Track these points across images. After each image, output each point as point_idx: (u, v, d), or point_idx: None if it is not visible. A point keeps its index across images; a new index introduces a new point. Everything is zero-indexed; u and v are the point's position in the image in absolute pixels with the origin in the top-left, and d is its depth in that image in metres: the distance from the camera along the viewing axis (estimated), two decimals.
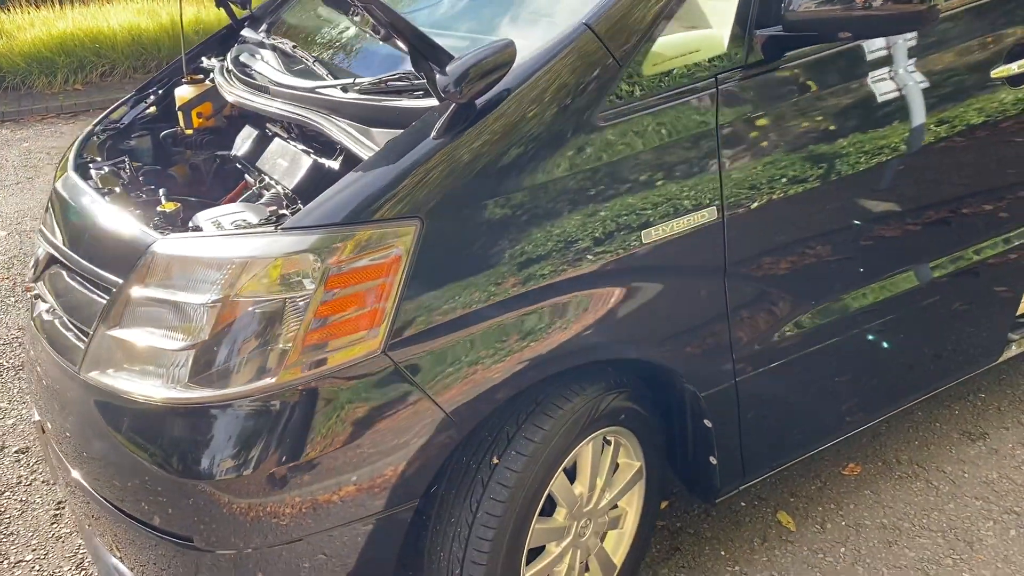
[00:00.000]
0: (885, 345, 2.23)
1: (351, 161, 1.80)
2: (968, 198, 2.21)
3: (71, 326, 1.88)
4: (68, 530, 2.53)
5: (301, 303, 1.52)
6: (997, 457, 2.64)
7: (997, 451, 2.66)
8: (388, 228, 1.53)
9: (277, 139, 2.01)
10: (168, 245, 1.65)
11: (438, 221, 1.55)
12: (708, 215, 1.78)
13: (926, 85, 2.01)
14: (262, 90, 2.06)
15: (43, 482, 2.74)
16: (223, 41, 2.81)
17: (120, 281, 1.69)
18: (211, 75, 2.50)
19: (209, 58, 2.70)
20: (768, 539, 2.36)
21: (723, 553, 2.33)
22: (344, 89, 1.89)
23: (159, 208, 1.86)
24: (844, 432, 2.29)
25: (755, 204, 1.83)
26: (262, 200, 2.00)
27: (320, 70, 2.04)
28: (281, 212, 1.80)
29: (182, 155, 2.39)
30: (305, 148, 1.94)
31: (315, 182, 1.82)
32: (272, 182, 1.94)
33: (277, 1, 2.85)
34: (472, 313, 1.59)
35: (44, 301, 2.03)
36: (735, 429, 2.02)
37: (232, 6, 2.78)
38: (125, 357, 1.67)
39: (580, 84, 1.63)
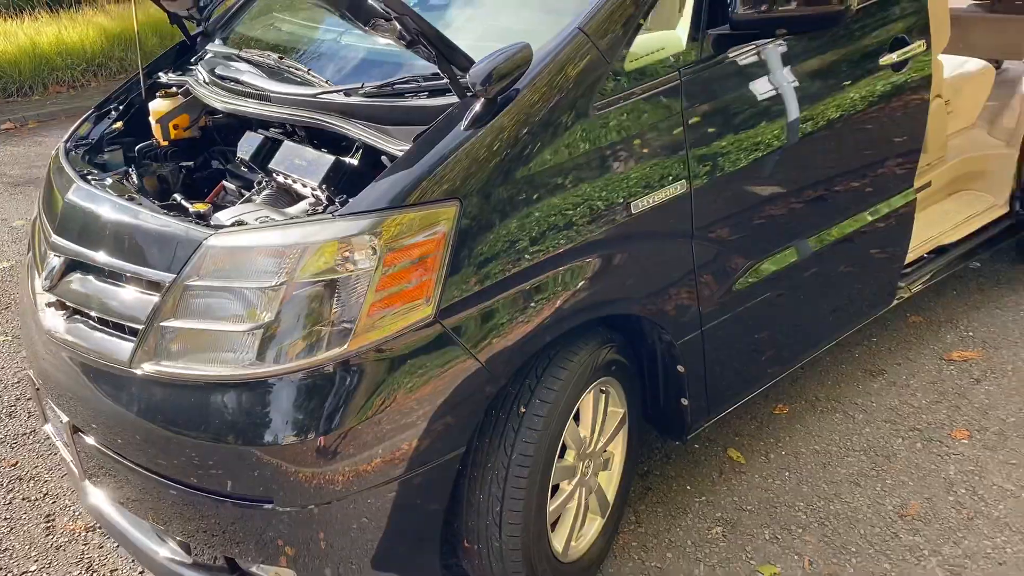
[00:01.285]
0: (810, 295, 2.64)
1: (371, 155, 2.01)
2: (865, 166, 2.64)
3: (102, 328, 1.99)
4: (66, 539, 2.58)
5: (363, 279, 1.73)
6: (896, 388, 3.11)
7: (895, 383, 3.13)
8: (432, 209, 1.77)
9: (288, 142, 2.19)
10: (224, 239, 1.81)
11: (473, 201, 1.80)
12: (679, 188, 2.10)
13: (834, 72, 2.43)
14: (263, 98, 2.23)
15: (24, 499, 2.76)
16: (178, 57, 2.92)
17: (171, 277, 1.83)
18: (182, 88, 2.62)
19: (167, 73, 2.80)
20: (724, 472, 2.72)
21: (689, 488, 2.66)
22: (347, 93, 2.10)
23: (192, 209, 2.00)
24: (784, 371, 2.68)
25: (713, 177, 2.17)
26: (261, 198, 2.18)
27: (314, 77, 2.23)
28: (321, 202, 1.99)
29: (165, 165, 2.51)
30: (319, 147, 2.13)
31: (339, 175, 2.02)
32: (290, 180, 2.12)
33: (225, 16, 2.98)
34: (504, 280, 1.84)
35: (61, 309, 2.12)
36: (702, 372, 2.35)
37: (186, 22, 2.90)
38: (187, 345, 1.82)
39: (578, 79, 1.92)
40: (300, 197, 2.20)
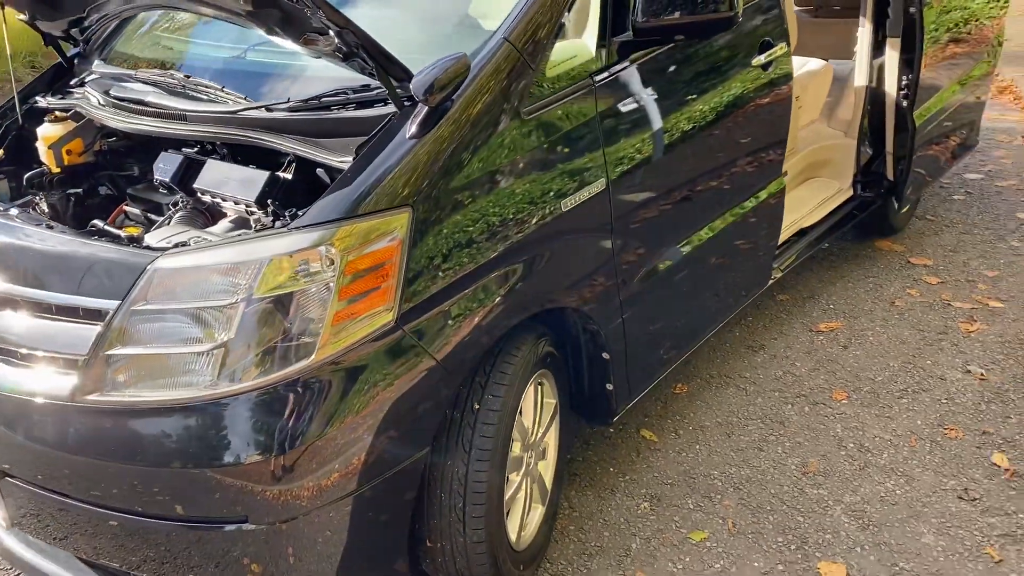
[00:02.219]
0: (707, 278, 2.85)
1: (305, 168, 2.03)
2: (747, 157, 2.89)
3: (26, 364, 1.90)
4: None
5: (324, 290, 1.75)
6: (777, 360, 3.39)
7: (775, 356, 3.42)
8: (387, 217, 1.81)
9: (212, 160, 2.15)
10: (172, 260, 1.78)
11: (423, 207, 1.86)
12: (599, 185, 2.24)
13: (719, 73, 2.65)
14: (179, 118, 2.18)
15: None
16: (53, 80, 2.78)
17: (115, 304, 1.78)
18: (71, 112, 2.51)
19: (45, 97, 2.67)
20: (641, 451, 2.89)
21: (612, 470, 2.81)
22: (270, 109, 2.10)
23: (124, 234, 1.94)
24: (690, 349, 2.88)
25: (625, 174, 2.33)
26: (176, 219, 2.14)
27: (229, 95, 2.21)
28: (249, 220, 1.98)
29: (70, 192, 2.40)
30: (245, 164, 2.11)
31: (275, 191, 2.01)
32: (219, 199, 2.09)
33: (102, 36, 2.85)
34: (456, 282, 1.91)
35: None
36: (623, 358, 2.50)
37: (61, 44, 2.77)
38: (138, 371, 1.77)
39: (509, 86, 2.02)
40: (219, 216, 2.18)
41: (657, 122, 2.42)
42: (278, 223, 1.87)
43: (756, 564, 2.41)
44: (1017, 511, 2.55)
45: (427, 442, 1.94)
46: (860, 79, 3.97)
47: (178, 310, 1.77)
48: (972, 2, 4.14)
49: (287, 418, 1.74)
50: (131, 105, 2.30)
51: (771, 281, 3.34)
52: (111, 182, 2.55)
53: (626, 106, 2.33)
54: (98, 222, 2.15)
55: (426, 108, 1.87)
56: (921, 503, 2.60)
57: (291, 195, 2.01)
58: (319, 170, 2.03)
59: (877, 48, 3.87)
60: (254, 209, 2.01)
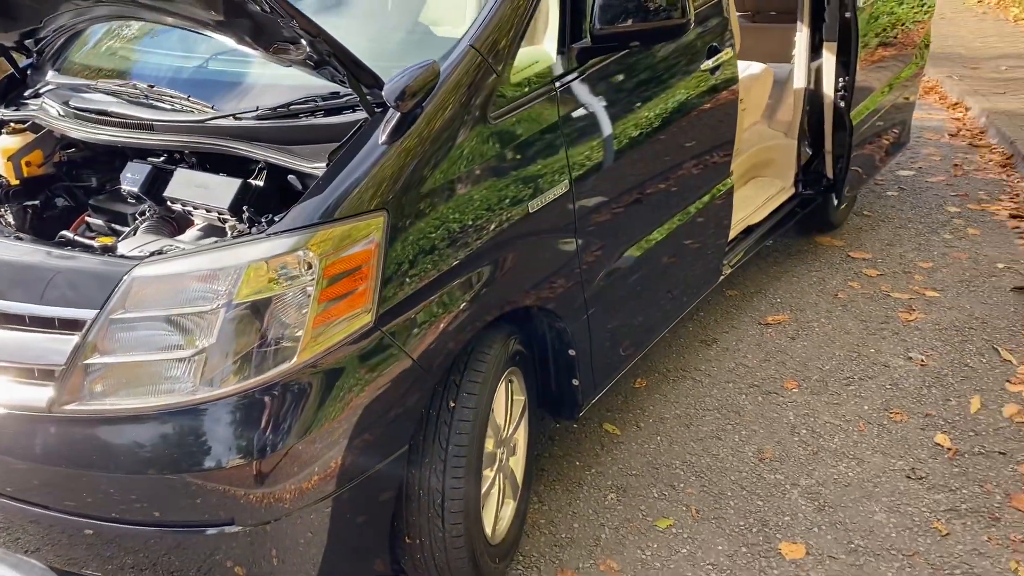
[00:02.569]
0: (664, 275, 2.95)
1: (276, 175, 2.06)
2: (699, 157, 3.00)
3: (3, 375, 1.89)
4: None
5: (303, 294, 1.78)
6: (729, 352, 3.51)
7: (727, 348, 3.54)
8: (363, 221, 1.86)
9: (181, 169, 2.16)
10: (150, 268, 1.80)
11: (397, 210, 1.91)
12: (563, 187, 2.32)
13: (672, 76, 2.76)
14: (144, 128, 2.19)
15: None
16: (6, 91, 2.75)
17: (92, 313, 1.79)
18: (27, 123, 2.49)
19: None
20: (605, 445, 2.97)
21: (578, 463, 2.89)
22: (237, 117, 2.12)
23: (97, 244, 1.94)
24: (648, 344, 2.98)
25: (586, 176, 2.41)
26: (143, 228, 2.16)
27: (195, 104, 2.22)
28: (221, 226, 2.01)
29: (31, 202, 2.39)
30: (215, 172, 2.13)
31: (247, 198, 2.03)
32: (190, 208, 2.10)
33: (54, 47, 2.83)
34: (431, 283, 1.97)
35: None
36: (588, 354, 2.58)
37: (13, 55, 2.74)
38: (118, 379, 1.79)
39: (476, 91, 2.08)
40: (186, 225, 2.20)
41: (616, 125, 2.51)
42: (254, 229, 1.90)
43: (720, 547, 2.51)
44: (960, 487, 2.70)
45: (405, 441, 1.99)
46: (799, 82, 4.13)
47: (157, 317, 1.78)
48: (900, 7, 4.34)
49: (269, 422, 1.77)
50: (94, 116, 2.29)
51: (721, 277, 3.46)
52: (68, 193, 2.54)
53: (586, 110, 2.41)
54: (67, 233, 2.14)
55: (398, 114, 1.92)
56: (872, 483, 2.73)
57: (264, 202, 2.04)
58: (291, 176, 2.06)
59: (814, 52, 4.04)
60: (227, 216, 2.03)
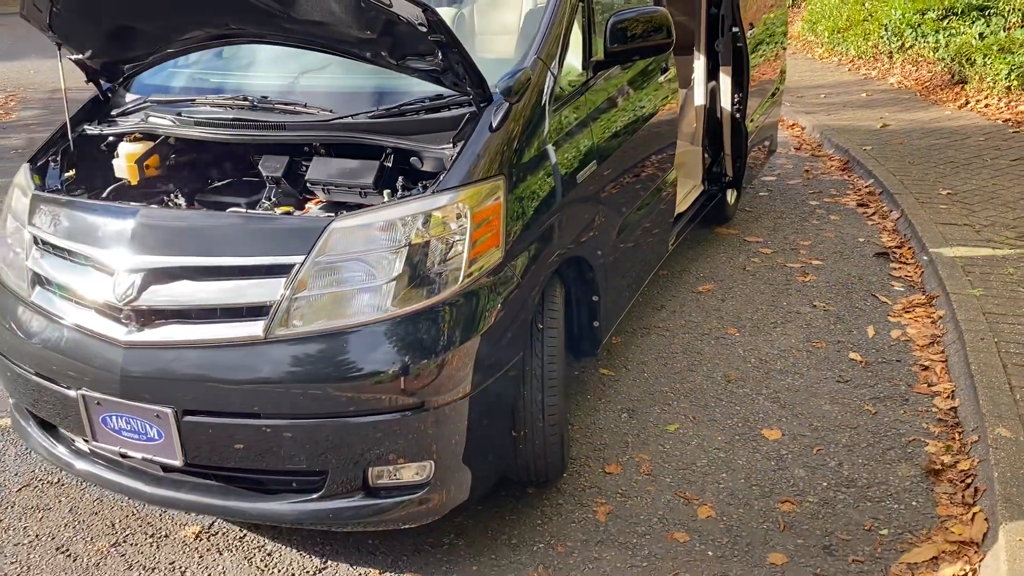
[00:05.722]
0: (643, 240, 3.74)
1: (404, 156, 2.67)
2: (655, 154, 3.83)
3: (207, 320, 2.40)
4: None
5: (462, 234, 2.42)
6: (677, 313, 4.34)
7: (675, 311, 4.37)
8: (493, 182, 2.52)
9: (318, 157, 2.73)
10: (345, 221, 2.38)
11: (509, 175, 2.58)
12: (594, 165, 3.06)
13: (646, 84, 3.58)
14: (276, 128, 2.74)
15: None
16: (93, 112, 3.17)
17: (299, 258, 2.34)
18: (142, 134, 2.97)
19: (92, 125, 3.09)
20: (605, 383, 3.69)
21: (589, 397, 3.59)
22: (354, 117, 2.72)
23: (278, 212, 2.49)
24: (635, 296, 3.75)
25: (604, 155, 3.16)
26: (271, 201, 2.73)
27: (315, 108, 2.79)
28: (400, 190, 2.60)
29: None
30: (347, 157, 2.71)
31: (383, 174, 2.63)
32: (332, 186, 2.67)
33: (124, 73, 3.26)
34: (530, 229, 2.64)
35: (139, 319, 2.43)
36: (603, 299, 3.30)
37: (99, 80, 3.18)
38: (323, 306, 2.34)
39: (546, 89, 2.79)
40: (305, 200, 2.78)
41: (620, 115, 3.31)
42: (414, 191, 2.52)
43: (719, 438, 3.29)
44: (876, 384, 3.62)
45: (523, 347, 2.64)
46: (699, 99, 5.10)
47: (352, 258, 2.36)
48: (768, 40, 5.42)
49: (441, 332, 2.38)
50: (228, 122, 2.80)
51: (668, 251, 4.29)
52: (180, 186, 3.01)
53: (601, 107, 3.18)
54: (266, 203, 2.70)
55: (506, 105, 2.60)
56: (814, 388, 3.61)
57: (394, 177, 2.65)
58: (413, 158, 2.69)
59: (709, 76, 5.01)
60: (370, 191, 2.63)
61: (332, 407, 2.35)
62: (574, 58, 3.10)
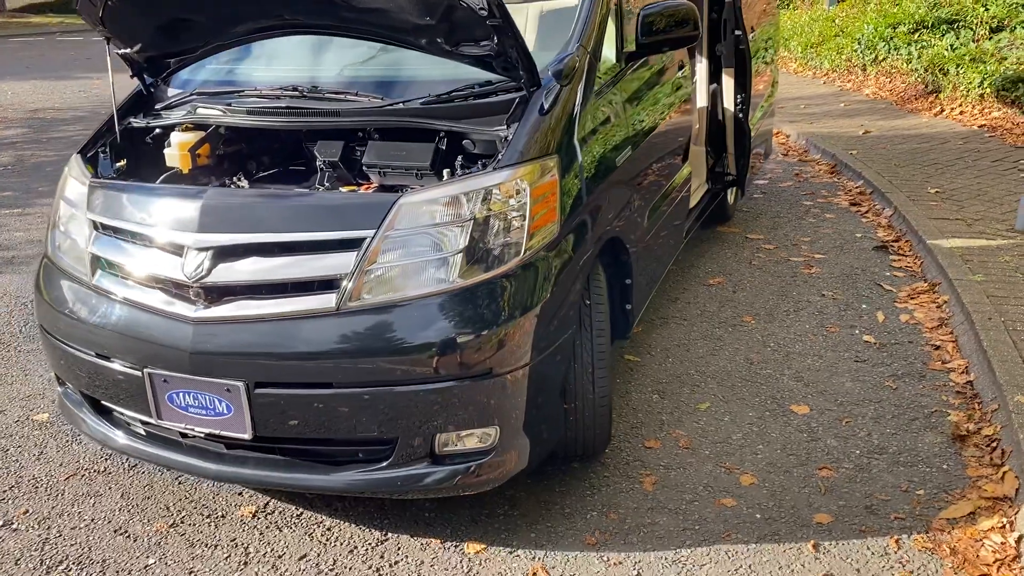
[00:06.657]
0: (666, 230, 3.87)
1: (458, 139, 2.78)
2: (677, 144, 3.97)
3: (277, 294, 2.48)
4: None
5: (522, 209, 2.52)
6: (692, 304, 4.47)
7: (689, 302, 4.50)
8: (547, 161, 2.63)
9: (373, 141, 2.82)
10: (413, 197, 2.47)
11: (561, 154, 2.69)
12: (629, 150, 3.19)
13: (669, 76, 3.73)
14: (330, 115, 2.83)
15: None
16: (136, 106, 3.24)
17: (370, 232, 2.43)
18: (194, 124, 3.05)
19: (138, 117, 3.16)
20: (632, 368, 3.81)
21: (618, 380, 3.70)
22: (406, 103, 2.83)
23: (343, 190, 2.58)
24: (658, 282, 3.88)
25: (638, 141, 3.30)
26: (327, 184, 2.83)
27: (364, 96, 2.89)
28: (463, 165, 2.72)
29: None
30: (402, 140, 2.81)
31: (438, 156, 2.74)
32: (388, 168, 2.77)
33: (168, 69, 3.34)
34: (579, 208, 2.76)
35: (208, 296, 2.50)
36: (635, 282, 3.42)
37: (144, 75, 3.26)
38: (394, 278, 2.43)
39: (590, 74, 2.92)
40: (358, 184, 2.87)
41: (650, 105, 3.46)
42: (474, 169, 2.62)
43: (751, 414, 3.41)
44: (892, 362, 3.77)
45: (573, 323, 2.74)
46: (701, 101, 5.27)
47: (421, 231, 2.46)
48: (764, 47, 5.63)
49: (509, 298, 2.48)
50: (283, 110, 2.89)
51: (684, 240, 4.43)
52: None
53: (634, 95, 3.32)
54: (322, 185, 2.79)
55: (557, 87, 2.72)
56: (834, 368, 3.75)
57: (450, 159, 2.75)
58: (465, 141, 2.79)
59: (711, 79, 5.19)
60: (427, 172, 2.73)
61: (402, 375, 2.43)
62: (608, 49, 3.24)
